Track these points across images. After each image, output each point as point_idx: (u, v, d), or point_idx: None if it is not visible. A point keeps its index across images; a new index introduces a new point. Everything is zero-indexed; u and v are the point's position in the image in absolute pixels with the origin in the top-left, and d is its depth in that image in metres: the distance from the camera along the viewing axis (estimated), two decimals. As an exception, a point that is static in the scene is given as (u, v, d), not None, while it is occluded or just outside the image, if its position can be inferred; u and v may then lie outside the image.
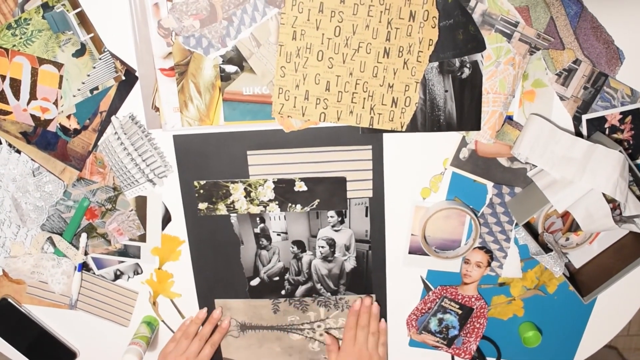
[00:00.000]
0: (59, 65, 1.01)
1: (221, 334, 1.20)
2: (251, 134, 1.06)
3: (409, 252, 1.14)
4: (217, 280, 1.18)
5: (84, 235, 1.14)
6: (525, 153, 1.00)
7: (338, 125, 1.04)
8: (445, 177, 1.08)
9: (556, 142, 0.99)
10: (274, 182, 1.09)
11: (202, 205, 1.11)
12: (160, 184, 1.09)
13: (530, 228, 1.08)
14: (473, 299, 1.16)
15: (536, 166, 1.04)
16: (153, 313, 1.21)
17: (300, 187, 1.10)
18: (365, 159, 1.07)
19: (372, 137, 1.06)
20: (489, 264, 1.13)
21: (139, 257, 1.16)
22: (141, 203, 1.11)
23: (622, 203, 0.99)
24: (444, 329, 1.19)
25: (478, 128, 1.02)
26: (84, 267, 1.17)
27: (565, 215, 1.09)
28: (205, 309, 1.20)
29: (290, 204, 1.11)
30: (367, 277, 1.17)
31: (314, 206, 1.11)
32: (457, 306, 1.17)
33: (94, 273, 1.18)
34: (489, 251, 1.13)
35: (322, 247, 1.14)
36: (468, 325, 1.18)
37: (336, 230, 1.13)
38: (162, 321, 1.22)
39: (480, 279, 1.15)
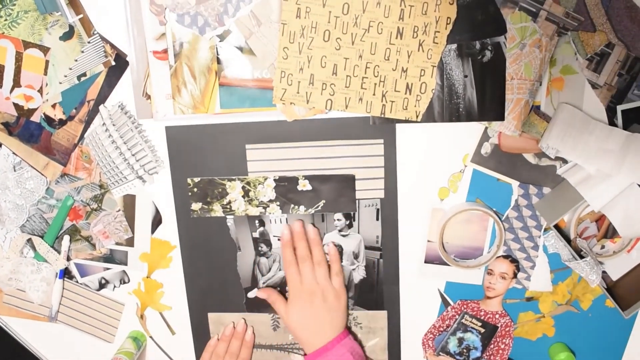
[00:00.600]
0: (45, 50, 0.97)
1: (249, 348, 1.12)
2: (251, 125, 0.99)
3: (425, 261, 1.06)
4: (211, 291, 1.11)
5: (66, 238, 1.07)
6: (555, 146, 0.92)
7: (346, 115, 0.97)
8: (466, 175, 1.01)
9: (590, 132, 0.92)
10: (275, 180, 1.02)
11: (196, 206, 1.04)
12: (150, 181, 1.02)
13: (561, 234, 1.00)
14: (497, 316, 1.07)
15: (567, 162, 0.96)
16: (140, 327, 1.14)
17: (304, 186, 1.02)
18: (377, 154, 1.00)
19: (384, 129, 0.98)
20: (514, 276, 1.04)
21: (126, 264, 1.10)
22: (129, 203, 1.05)
23: (666, 202, 0.90)
24: (465, 350, 1.09)
25: (502, 118, 0.94)
26: (65, 274, 1.11)
27: (601, 219, 1.01)
28: (231, 324, 1.12)
29: (292, 205, 1.03)
30: (378, 289, 1.09)
31: (319, 208, 1.03)
32: (480, 324, 1.07)
33: (77, 281, 1.12)
34: (514, 260, 1.03)
35: (328, 254, 1.06)
36: (492, 346, 1.08)
37: (344, 236, 1.05)
38: (150, 337, 1.15)
39: (505, 293, 1.05)
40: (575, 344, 1.10)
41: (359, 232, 1.05)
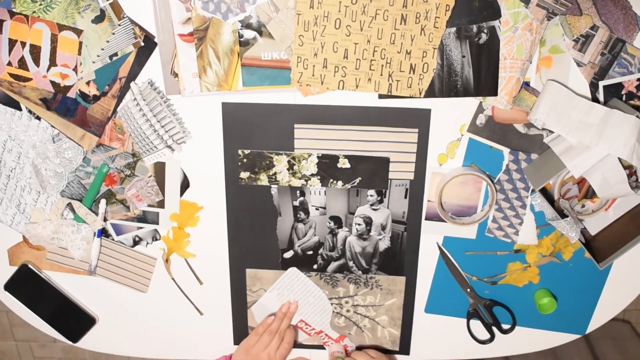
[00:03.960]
0: (78, 32, 1.02)
1: (292, 330, 1.24)
2: (300, 107, 1.07)
3: (426, 219, 1.15)
4: (251, 249, 1.19)
5: (103, 202, 1.15)
6: (542, 119, 1.01)
7: (386, 105, 1.05)
8: (462, 143, 1.09)
9: (573, 107, 1.00)
10: (318, 157, 1.10)
11: (244, 175, 1.12)
12: (178, 150, 1.10)
13: (546, 195, 1.09)
14: None
15: (553, 132, 1.04)
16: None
17: (344, 164, 1.10)
18: (411, 141, 1.08)
19: (419, 120, 1.06)
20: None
21: (157, 223, 1.17)
22: (160, 169, 1.13)
23: (639, 169, 0.99)
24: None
25: (495, 94, 1.02)
26: (103, 233, 1.18)
27: (582, 182, 1.10)
28: (286, 305, 1.23)
29: (331, 180, 1.12)
30: (399, 258, 1.18)
31: (355, 184, 1.12)
32: None
33: (113, 239, 1.20)
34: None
35: (359, 224, 1.15)
36: None
37: (374, 209, 1.14)
38: (172, 279, 1.23)
39: None
40: (557, 290, 1.20)
41: (388, 207, 1.13)
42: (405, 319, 1.24)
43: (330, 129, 1.08)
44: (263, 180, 1.12)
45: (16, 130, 1.10)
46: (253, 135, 1.09)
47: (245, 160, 1.11)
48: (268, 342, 1.19)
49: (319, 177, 1.11)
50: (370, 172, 1.10)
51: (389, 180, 1.11)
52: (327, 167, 1.10)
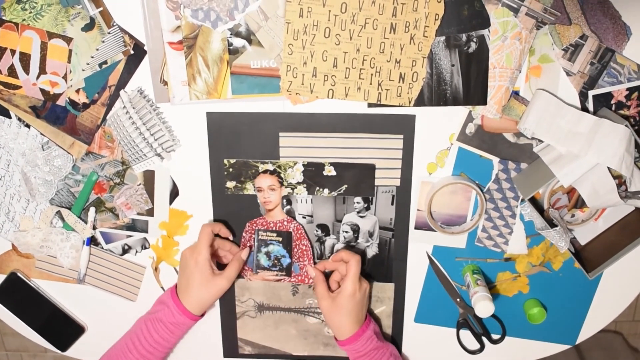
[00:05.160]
0: (68, 40, 1.02)
1: (209, 223, 1.16)
2: (285, 116, 1.07)
3: (415, 228, 1.15)
4: None
5: (92, 210, 1.15)
6: (531, 128, 1.01)
7: (370, 112, 1.05)
8: (452, 152, 1.09)
9: (562, 116, 1.00)
10: (303, 165, 1.10)
11: (230, 184, 1.12)
12: (168, 158, 1.10)
13: (536, 204, 1.09)
14: (285, 223, 1.16)
15: (542, 142, 1.04)
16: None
17: (330, 171, 1.10)
18: (396, 147, 1.08)
19: (404, 126, 1.06)
20: (281, 185, 1.12)
21: (146, 232, 1.17)
22: (149, 177, 1.12)
23: (628, 178, 0.99)
24: (276, 261, 1.18)
25: (484, 103, 1.02)
26: (92, 241, 1.18)
27: (571, 191, 1.10)
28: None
29: (318, 188, 1.12)
30: (388, 264, 1.18)
31: (342, 191, 1.12)
32: (275, 234, 1.16)
33: (102, 247, 1.19)
34: (274, 172, 1.11)
35: (346, 232, 1.15)
36: (296, 250, 1.17)
37: (361, 217, 1.14)
38: (162, 287, 1.23)
39: (280, 202, 1.14)
40: (547, 300, 1.19)
41: (375, 214, 1.13)
42: (395, 326, 1.24)
43: (315, 137, 1.08)
44: (249, 189, 1.13)
45: (5, 138, 1.10)
46: (238, 144, 1.09)
47: (231, 169, 1.11)
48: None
49: (305, 185, 1.11)
50: (356, 179, 1.10)
51: (375, 187, 1.11)
52: (313, 175, 1.11)
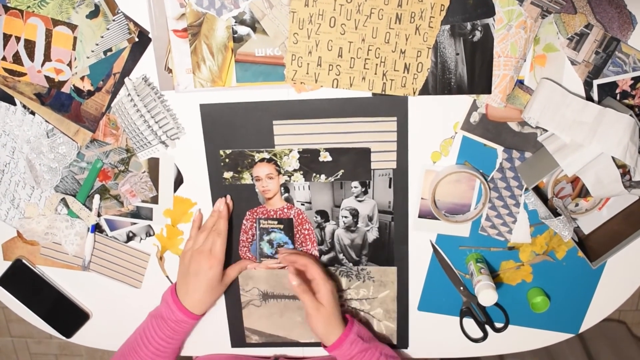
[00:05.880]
0: (73, 27, 1.02)
1: (224, 218, 1.14)
2: (278, 104, 1.07)
3: (419, 216, 1.15)
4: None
5: (96, 197, 1.15)
6: (535, 117, 1.01)
7: (363, 95, 1.05)
8: (456, 141, 1.09)
9: (567, 106, 1.00)
10: (299, 152, 1.10)
11: (228, 175, 1.13)
12: (172, 145, 1.11)
13: (539, 193, 1.09)
14: (285, 210, 1.16)
15: (547, 131, 1.04)
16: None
17: (325, 157, 1.11)
18: (390, 130, 1.08)
19: (397, 108, 1.06)
20: (279, 173, 1.12)
21: (151, 219, 1.18)
22: (153, 165, 1.13)
23: (632, 167, 0.99)
24: (279, 248, 1.19)
25: (489, 91, 1.02)
26: (96, 228, 1.19)
27: (575, 180, 1.10)
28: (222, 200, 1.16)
29: (314, 174, 1.12)
30: (389, 248, 1.18)
31: (338, 176, 1.12)
32: (276, 222, 1.17)
33: (107, 234, 1.20)
34: (271, 160, 1.11)
35: (346, 217, 1.16)
36: (298, 235, 1.18)
37: (359, 201, 1.14)
38: (167, 277, 1.23)
39: (278, 190, 1.14)
40: (550, 289, 1.19)
41: (373, 198, 1.14)
42: (400, 311, 1.24)
43: (309, 123, 1.08)
44: (247, 179, 1.13)
45: (10, 125, 1.10)
46: (233, 134, 1.09)
47: (227, 160, 1.11)
48: (203, 240, 1.14)
49: (301, 172, 1.12)
50: (352, 164, 1.11)
51: (372, 171, 1.11)
52: (309, 162, 1.11)
